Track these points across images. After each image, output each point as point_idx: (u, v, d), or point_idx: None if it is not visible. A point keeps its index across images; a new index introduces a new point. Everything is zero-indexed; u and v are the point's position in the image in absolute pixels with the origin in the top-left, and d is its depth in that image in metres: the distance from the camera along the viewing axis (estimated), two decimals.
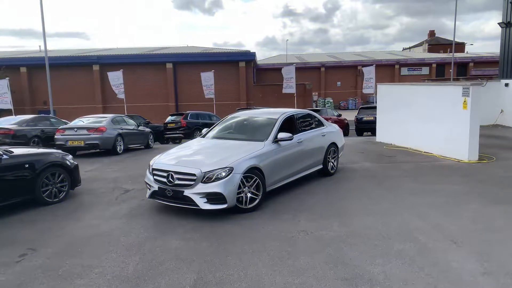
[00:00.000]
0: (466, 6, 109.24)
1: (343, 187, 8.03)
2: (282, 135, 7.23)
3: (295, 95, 26.27)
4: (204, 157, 6.72)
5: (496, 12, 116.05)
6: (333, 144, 8.97)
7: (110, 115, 14.46)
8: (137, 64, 35.92)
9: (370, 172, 9.29)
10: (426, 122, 11.82)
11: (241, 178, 6.24)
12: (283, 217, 6.20)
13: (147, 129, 16.28)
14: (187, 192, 6.13)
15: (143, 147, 15.96)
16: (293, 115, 8.10)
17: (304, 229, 5.68)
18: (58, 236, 5.66)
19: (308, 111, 9.03)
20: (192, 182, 6.13)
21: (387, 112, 14.26)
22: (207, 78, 25.13)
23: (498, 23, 17.63)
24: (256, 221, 6.04)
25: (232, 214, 6.30)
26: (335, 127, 9.39)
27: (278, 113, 7.95)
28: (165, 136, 21.69)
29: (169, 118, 22.20)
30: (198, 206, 6.08)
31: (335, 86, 58.64)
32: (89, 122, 13.76)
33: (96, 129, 12.94)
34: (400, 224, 5.78)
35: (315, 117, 8.85)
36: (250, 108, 23.35)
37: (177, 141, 21.80)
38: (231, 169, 6.17)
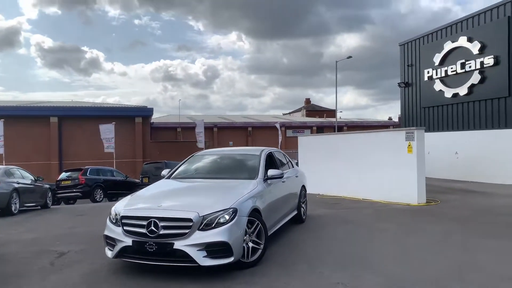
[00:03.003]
0: (327, 81, 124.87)
1: (328, 233, 7.18)
2: (272, 172, 6.21)
3: (204, 149, 25.41)
4: (194, 197, 5.30)
5: (350, 87, 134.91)
6: (304, 188, 8.18)
7: (1, 166, 11.57)
8: (13, 117, 31.13)
9: (338, 218, 8.65)
10: (363, 169, 11.82)
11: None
12: (299, 269, 5.04)
13: (46, 185, 13.47)
14: (179, 245, 4.59)
15: (39, 207, 13.02)
16: (271, 152, 7.17)
17: (337, 280, 4.60)
18: None
19: (279, 150, 8.19)
20: (186, 231, 4.64)
21: (310, 162, 13.91)
22: (107, 130, 22.79)
23: (398, 84, 19.67)
24: (271, 278, 4.75)
25: (231, 271, 4.88)
26: (301, 169, 8.65)
27: (257, 150, 6.98)
28: (58, 196, 18.40)
29: (63, 175, 19.12)
30: (196, 262, 4.57)
31: (227, 146, 59.18)
32: None
33: None
34: (440, 268, 5.07)
35: (286, 156, 8.04)
36: (159, 162, 21.61)
37: (71, 201, 18.73)
38: (235, 211, 4.87)
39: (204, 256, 4.60)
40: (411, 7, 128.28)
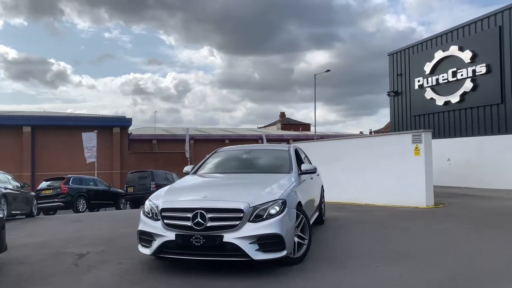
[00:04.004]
0: (297, 96, 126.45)
1: (355, 232, 6.97)
2: (306, 166, 5.97)
3: (188, 160, 24.96)
4: (238, 189, 4.95)
5: (319, 103, 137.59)
6: (322, 187, 7.95)
7: None
8: None
9: (354, 220, 8.47)
10: (365, 174, 11.72)
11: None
12: (352, 264, 4.78)
13: (32, 193, 12.65)
14: (229, 237, 4.23)
15: (24, 216, 12.15)
16: (296, 148, 6.91)
17: (398, 274, 4.35)
18: None
19: None
20: (236, 222, 4.28)
21: None
22: (89, 139, 21.97)
23: (387, 93, 19.97)
24: (326, 273, 4.47)
25: (279, 268, 4.55)
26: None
27: (283, 145, 6.75)
28: (38, 206, 17.36)
29: (43, 184, 18.10)
30: (247, 256, 4.21)
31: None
32: None
33: None
34: (492, 261, 4.93)
35: (305, 153, 7.81)
36: (145, 171, 20.88)
37: (51, 212, 17.73)
38: (284, 202, 4.56)
39: (256, 250, 4.25)
40: (377, 26, 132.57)
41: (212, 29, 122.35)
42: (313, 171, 5.98)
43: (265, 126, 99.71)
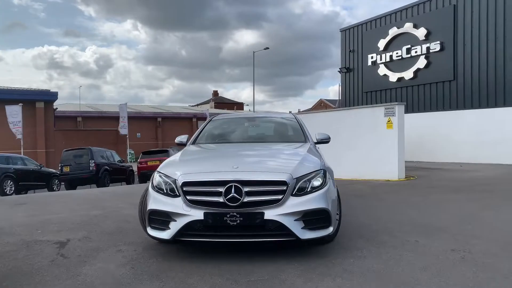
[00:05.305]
0: (226, 76, 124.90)
1: (352, 206, 6.62)
2: (321, 135, 5.38)
3: (127, 136, 23.22)
4: (268, 159, 4.23)
5: (248, 83, 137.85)
6: None
7: None
8: None
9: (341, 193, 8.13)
10: (330, 148, 11.43)
11: None
12: (386, 239, 4.39)
13: None
14: (271, 214, 3.52)
15: None
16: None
17: (452, 247, 3.99)
18: None
19: None
20: (279, 197, 3.58)
21: None
22: (14, 113, 19.35)
23: (339, 69, 19.94)
24: (370, 251, 4.00)
25: (318, 248, 3.99)
26: None
27: (286, 113, 6.12)
28: None
29: None
30: (293, 235, 3.55)
31: (135, 138, 55.77)
32: None
33: None
34: None
35: None
36: (83, 149, 18.94)
37: None
38: (325, 173, 3.95)
39: (302, 228, 3.60)
40: (304, 8, 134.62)
41: (136, 2, 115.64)
42: (327, 140, 5.42)
43: (197, 105, 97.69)
